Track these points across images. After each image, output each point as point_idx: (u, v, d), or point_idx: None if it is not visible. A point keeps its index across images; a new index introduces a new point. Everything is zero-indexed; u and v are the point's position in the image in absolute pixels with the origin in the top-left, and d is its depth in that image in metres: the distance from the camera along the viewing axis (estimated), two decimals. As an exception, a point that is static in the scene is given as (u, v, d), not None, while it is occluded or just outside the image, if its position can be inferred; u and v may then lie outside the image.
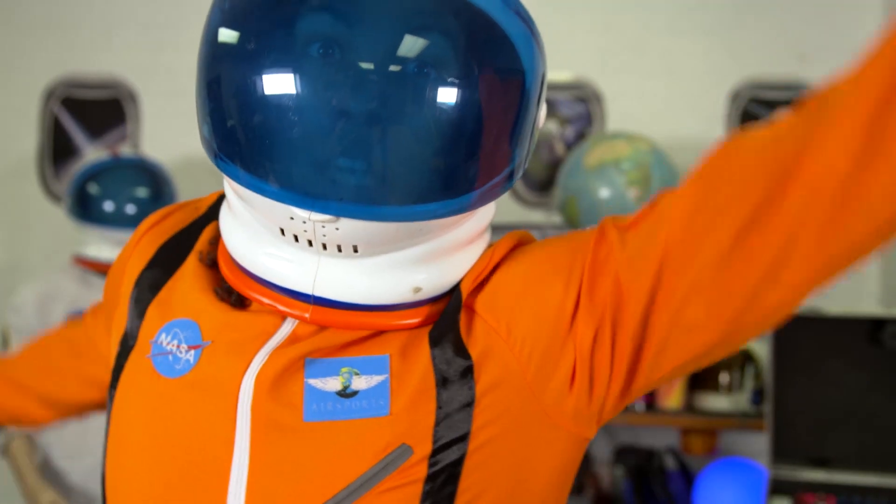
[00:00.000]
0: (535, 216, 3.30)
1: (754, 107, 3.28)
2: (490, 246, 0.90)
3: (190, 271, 0.92)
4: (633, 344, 0.79)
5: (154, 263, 0.94)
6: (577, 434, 0.85)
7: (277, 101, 0.76)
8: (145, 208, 2.66)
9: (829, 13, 3.24)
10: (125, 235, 2.62)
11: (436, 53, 0.76)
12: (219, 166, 0.81)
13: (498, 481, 0.82)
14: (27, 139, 3.48)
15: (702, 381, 2.79)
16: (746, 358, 2.75)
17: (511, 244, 0.89)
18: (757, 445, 2.77)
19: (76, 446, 2.58)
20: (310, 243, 0.81)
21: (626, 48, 3.32)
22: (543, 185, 3.33)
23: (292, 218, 0.79)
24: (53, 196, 3.44)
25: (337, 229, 0.79)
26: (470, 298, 0.84)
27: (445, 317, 0.83)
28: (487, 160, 0.80)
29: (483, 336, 0.82)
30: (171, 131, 3.40)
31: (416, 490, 0.79)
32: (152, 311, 0.91)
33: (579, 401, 0.82)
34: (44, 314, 2.59)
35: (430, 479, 0.79)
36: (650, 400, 2.81)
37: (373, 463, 0.79)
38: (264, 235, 0.85)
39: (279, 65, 0.76)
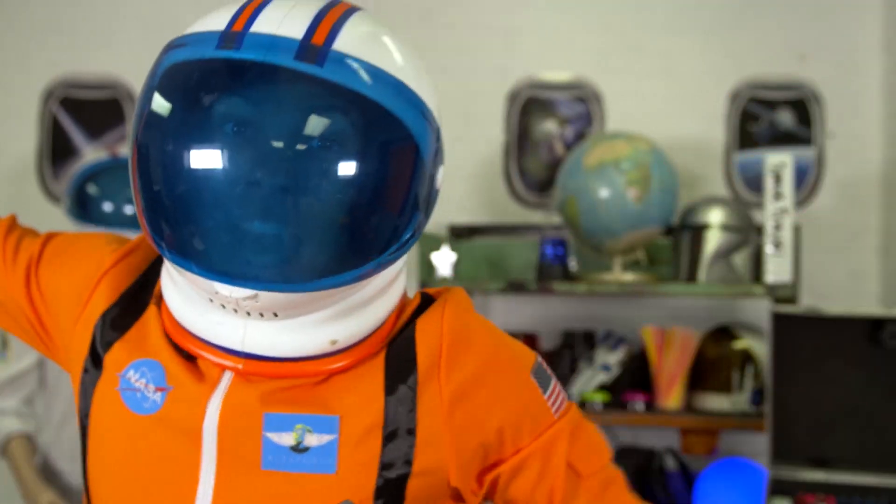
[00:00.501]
0: (535, 216, 3.30)
1: (754, 106, 3.27)
2: (431, 297, 1.03)
3: (153, 315, 1.01)
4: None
5: (118, 305, 1.03)
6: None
7: (194, 183, 0.86)
8: (144, 209, 2.65)
9: (829, 13, 3.24)
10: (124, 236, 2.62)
11: (332, 136, 0.86)
12: (156, 247, 0.91)
13: None
14: (26, 139, 3.47)
15: (702, 381, 2.79)
16: (746, 358, 2.75)
17: (462, 312, 1.00)
18: (757, 445, 2.77)
19: (75, 448, 2.57)
20: (235, 311, 0.91)
21: (625, 48, 3.32)
22: (543, 185, 3.32)
23: (217, 292, 0.89)
24: (52, 196, 3.44)
25: (256, 301, 0.89)
26: (433, 364, 0.96)
27: (399, 369, 0.95)
28: (386, 230, 0.90)
29: (430, 405, 0.95)
30: (170, 131, 3.40)
31: None
32: (119, 346, 1.00)
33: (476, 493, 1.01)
34: (43, 315, 2.59)
35: None
36: (650, 400, 2.80)
37: None
38: (197, 300, 0.95)
39: (195, 144, 0.86)
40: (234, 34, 0.88)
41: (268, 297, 0.88)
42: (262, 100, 0.87)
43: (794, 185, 2.63)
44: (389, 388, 0.95)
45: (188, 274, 0.90)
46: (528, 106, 3.35)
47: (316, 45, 0.87)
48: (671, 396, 2.77)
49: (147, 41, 3.48)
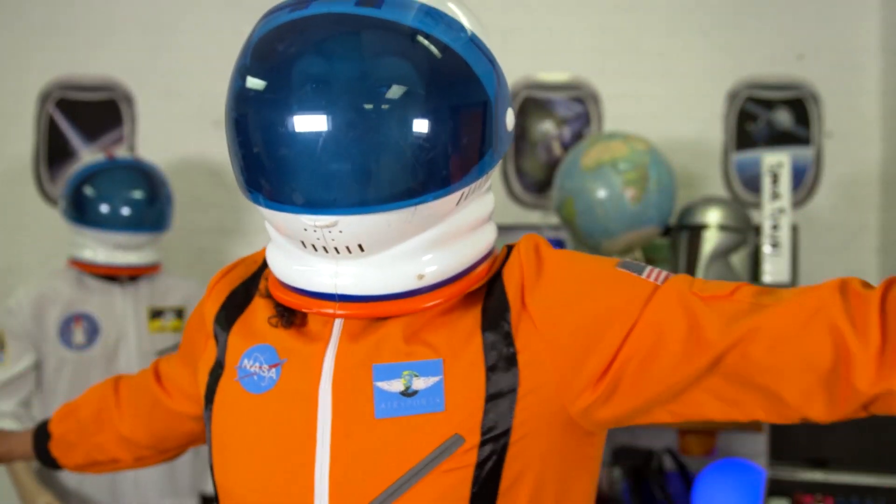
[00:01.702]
0: (533, 217, 3.30)
1: (752, 106, 3.27)
2: (513, 246, 1.08)
3: (258, 307, 1.12)
4: (681, 379, 0.97)
5: (227, 305, 1.14)
6: (584, 429, 1.03)
7: (280, 134, 0.94)
8: (141, 210, 2.65)
9: (828, 12, 3.24)
10: (121, 238, 2.61)
11: (396, 73, 0.94)
12: (249, 198, 1.00)
13: (534, 466, 1.00)
14: (23, 142, 3.47)
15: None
16: (744, 358, 2.75)
17: (533, 246, 1.06)
18: (755, 446, 2.76)
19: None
20: (325, 250, 0.98)
21: (623, 48, 3.32)
22: (541, 185, 3.32)
23: (305, 229, 0.97)
24: (49, 198, 3.43)
25: (340, 232, 0.96)
26: (517, 296, 1.01)
27: (494, 309, 1.01)
28: (448, 162, 0.96)
29: (526, 334, 0.99)
30: (166, 133, 3.40)
31: (468, 473, 0.97)
32: (232, 342, 1.11)
33: (596, 400, 0.99)
34: (39, 317, 2.59)
35: (480, 464, 0.97)
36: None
37: (431, 450, 0.97)
38: (294, 252, 1.03)
39: (280, 105, 0.94)
40: None
41: (348, 224, 0.95)
42: (331, 48, 0.95)
43: (791, 185, 2.63)
44: (486, 325, 1.00)
45: (282, 221, 0.98)
46: (526, 106, 3.35)
47: None
48: (669, 397, 2.76)
49: (144, 43, 3.50)
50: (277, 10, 1.00)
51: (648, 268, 1.03)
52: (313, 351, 1.04)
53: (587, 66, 3.33)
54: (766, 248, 2.59)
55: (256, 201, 1.00)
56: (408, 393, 0.99)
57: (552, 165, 3.29)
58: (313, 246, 0.99)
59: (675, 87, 3.29)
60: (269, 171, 0.96)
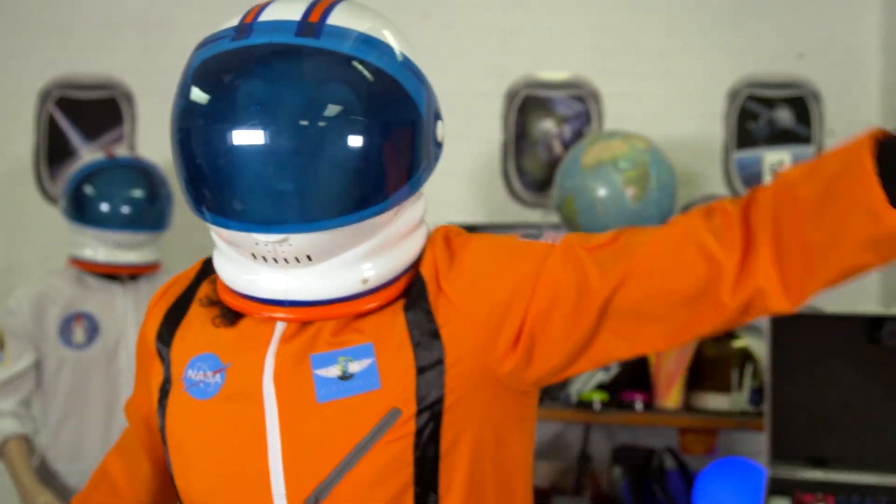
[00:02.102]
0: (533, 216, 3.29)
1: (752, 105, 3.27)
2: (429, 241, 1.16)
3: (194, 317, 1.18)
4: (584, 329, 1.05)
5: (165, 322, 1.20)
6: (515, 390, 1.12)
7: (227, 154, 1.02)
8: (141, 209, 2.65)
9: (828, 11, 3.23)
10: (121, 237, 2.61)
11: (334, 98, 1.03)
12: (199, 216, 1.07)
13: (471, 428, 1.09)
14: (23, 141, 3.47)
15: (700, 380, 2.78)
16: (745, 357, 2.74)
17: (442, 237, 1.15)
18: (756, 445, 2.76)
19: (72, 449, 2.58)
20: (275, 261, 1.07)
21: (623, 47, 3.32)
22: (541, 184, 3.32)
23: (257, 243, 1.05)
24: (49, 198, 3.43)
25: (290, 245, 1.04)
26: (433, 281, 1.10)
27: (414, 293, 1.09)
28: (388, 176, 1.06)
29: (444, 311, 1.08)
30: (166, 132, 3.39)
31: (409, 441, 1.05)
32: (175, 355, 1.17)
33: (518, 363, 1.08)
34: (39, 316, 2.58)
35: (419, 432, 1.05)
36: (649, 400, 2.80)
37: (373, 425, 1.05)
38: (244, 263, 1.11)
39: (225, 123, 1.02)
40: (245, 26, 1.06)
41: (297, 239, 1.04)
42: (273, 75, 1.03)
43: (792, 184, 2.62)
44: (407, 307, 1.09)
45: (230, 233, 1.06)
46: (526, 105, 3.34)
47: (312, 23, 1.05)
48: (670, 396, 2.76)
49: (144, 42, 3.50)
50: (218, 38, 1.07)
51: (548, 233, 1.10)
52: (254, 352, 1.10)
53: (587, 65, 3.33)
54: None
55: (206, 219, 1.07)
56: (345, 376, 1.07)
57: (553, 164, 3.28)
58: (263, 257, 1.07)
59: (675, 85, 3.29)
60: (222, 192, 1.04)
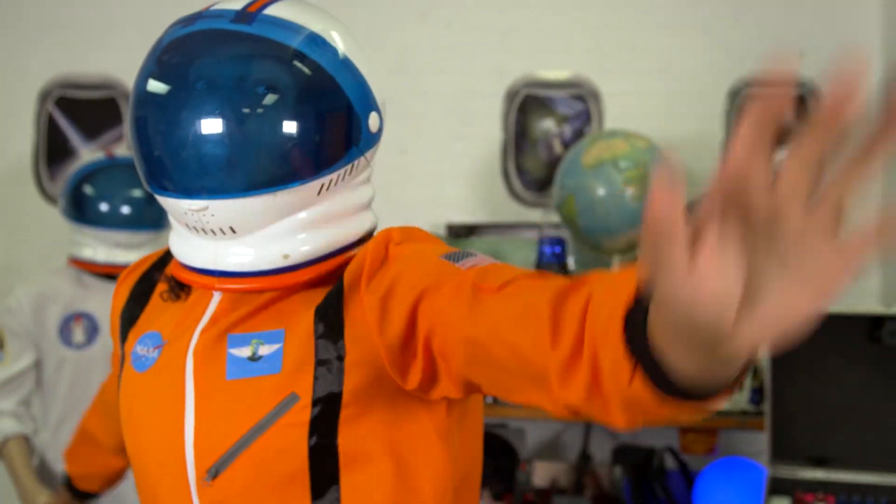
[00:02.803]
0: (534, 215, 3.29)
1: (752, 104, 3.26)
2: (370, 236, 1.21)
3: (156, 298, 1.28)
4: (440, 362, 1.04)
5: (129, 301, 1.30)
6: (428, 402, 1.13)
7: (159, 126, 1.12)
8: (140, 209, 2.65)
9: (827, 10, 3.23)
10: (121, 236, 2.61)
11: (259, 78, 1.10)
12: (147, 187, 1.16)
13: (375, 431, 1.12)
14: (23, 140, 3.47)
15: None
16: (745, 356, 2.74)
17: (383, 239, 1.14)
18: (756, 445, 2.76)
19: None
20: (204, 231, 1.14)
21: (623, 46, 3.31)
22: (542, 184, 3.31)
23: (185, 213, 1.13)
24: (49, 197, 3.43)
25: (213, 215, 1.12)
26: (354, 280, 1.11)
27: (330, 297, 1.12)
28: (308, 155, 1.12)
29: (354, 313, 1.10)
30: (167, 131, 3.40)
31: (304, 429, 1.09)
32: (132, 334, 1.26)
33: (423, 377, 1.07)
34: (39, 316, 2.58)
35: (313, 421, 1.10)
36: (649, 399, 2.79)
37: (272, 407, 1.10)
38: (182, 232, 1.19)
39: (157, 102, 1.12)
40: (196, 14, 1.16)
41: (218, 209, 1.11)
42: (204, 56, 1.12)
43: (792, 183, 2.62)
44: (321, 302, 1.13)
45: (166, 202, 1.14)
46: (526, 104, 3.34)
47: (250, 12, 1.14)
48: (670, 395, 2.76)
49: (143, 41, 3.45)
50: (176, 24, 1.18)
51: (473, 257, 1.06)
52: (186, 329, 1.19)
53: (587, 64, 3.33)
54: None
55: (153, 191, 1.16)
56: (254, 358, 1.13)
57: (553, 164, 3.28)
58: (195, 228, 1.15)
59: (675, 84, 3.28)
60: (154, 162, 1.14)
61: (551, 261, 2.84)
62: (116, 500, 2.60)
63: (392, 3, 3.39)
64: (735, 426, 2.71)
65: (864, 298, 3.16)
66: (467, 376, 1.02)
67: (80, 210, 2.63)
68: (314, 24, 1.16)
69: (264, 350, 1.13)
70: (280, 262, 1.15)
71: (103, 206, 2.62)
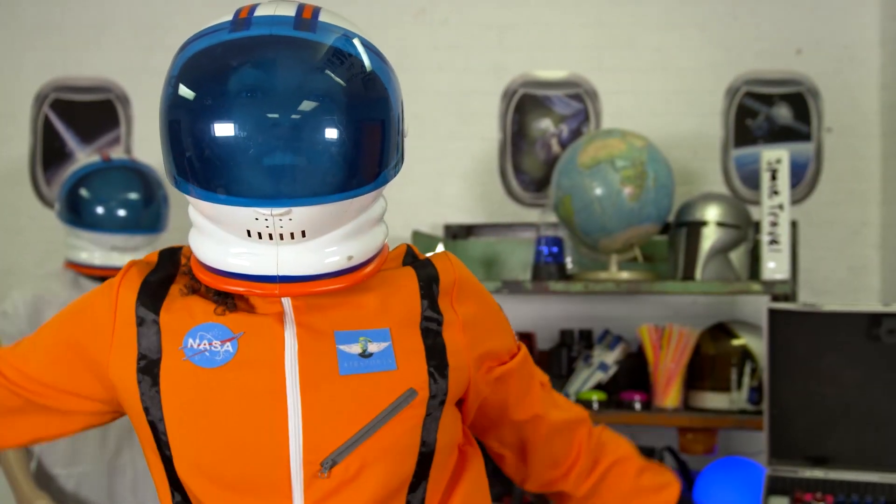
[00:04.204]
0: (531, 215, 3.28)
1: (751, 102, 3.25)
2: (443, 254, 1.33)
3: (185, 302, 1.22)
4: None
5: (143, 294, 1.23)
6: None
7: (237, 135, 1.09)
8: (137, 212, 2.64)
9: (825, 6, 3.22)
10: (117, 239, 2.61)
11: (329, 87, 1.12)
12: (200, 196, 1.13)
13: (453, 424, 1.26)
14: (19, 143, 3.47)
15: (699, 379, 2.77)
16: (744, 355, 2.73)
17: (459, 263, 1.32)
18: (755, 444, 2.75)
19: (69, 454, 2.57)
20: (270, 237, 1.14)
21: (620, 44, 3.31)
22: (539, 183, 3.31)
23: (257, 219, 1.12)
24: (45, 200, 3.43)
25: (290, 219, 1.12)
26: (448, 285, 1.27)
27: (428, 287, 1.25)
28: (375, 159, 1.16)
29: (448, 317, 1.25)
30: (163, 134, 3.39)
31: (419, 422, 1.18)
32: (165, 326, 1.20)
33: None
34: (35, 319, 2.57)
35: (428, 415, 1.19)
36: (648, 399, 2.79)
37: (390, 401, 1.17)
38: (232, 241, 1.17)
39: (229, 112, 1.09)
40: (242, 20, 1.14)
41: (299, 213, 1.12)
42: (277, 63, 1.11)
43: (790, 181, 2.61)
44: (423, 304, 1.23)
45: (227, 214, 1.13)
46: (524, 104, 3.33)
47: (307, 19, 1.15)
48: (669, 395, 2.75)
49: (138, 43, 3.49)
50: (213, 30, 1.15)
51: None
52: (269, 323, 1.19)
53: (584, 63, 3.32)
54: (766, 245, 2.58)
55: (208, 199, 1.13)
56: (365, 355, 1.18)
57: (551, 163, 3.27)
58: (259, 234, 1.14)
59: (673, 83, 3.28)
60: (226, 170, 1.11)
61: (549, 261, 2.83)
62: (112, 497, 2.60)
63: (389, 1, 3.38)
64: (734, 426, 2.70)
65: (865, 296, 3.15)
66: (497, 425, 1.41)
67: (77, 213, 2.63)
68: (358, 33, 1.20)
69: (373, 347, 1.19)
70: (345, 264, 1.19)
71: (99, 210, 2.62)
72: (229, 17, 1.16)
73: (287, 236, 1.14)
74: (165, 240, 2.89)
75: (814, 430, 2.35)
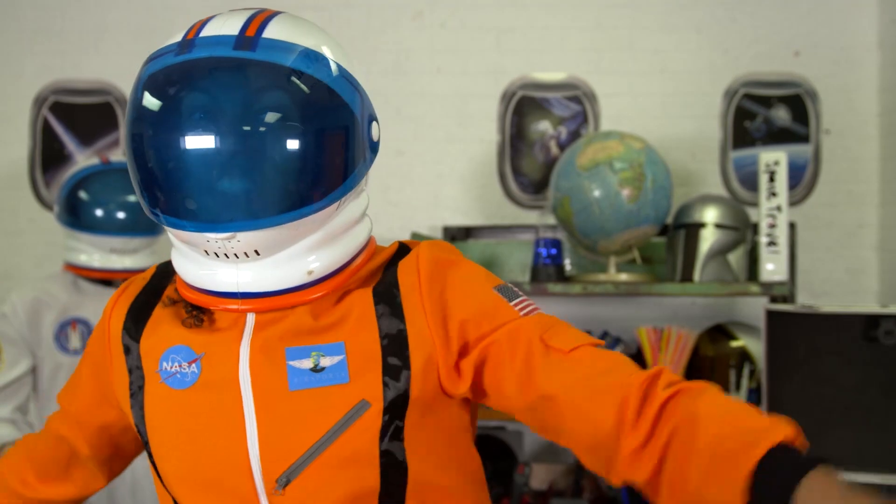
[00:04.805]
0: (530, 217, 3.29)
1: (749, 103, 3.26)
2: (408, 246, 1.27)
3: (161, 316, 1.26)
4: (506, 397, 1.19)
5: (129, 318, 1.27)
6: (458, 400, 1.24)
7: (176, 160, 1.10)
8: (136, 214, 2.64)
9: (823, 8, 3.23)
10: (116, 242, 2.61)
11: (271, 106, 1.11)
12: (154, 219, 1.16)
13: (431, 433, 1.20)
14: (18, 146, 3.47)
15: (699, 380, 2.77)
16: (743, 357, 2.73)
17: (434, 258, 1.22)
18: (754, 445, 2.75)
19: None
20: (227, 256, 1.15)
21: (618, 47, 3.31)
22: (538, 185, 3.31)
23: (208, 241, 1.14)
24: (44, 203, 3.43)
25: (238, 241, 1.13)
26: (413, 286, 1.19)
27: (386, 293, 1.19)
28: (324, 176, 1.14)
29: (420, 333, 1.17)
30: (162, 136, 3.40)
31: (376, 433, 1.15)
32: (144, 349, 1.24)
33: (464, 375, 1.20)
34: (35, 322, 2.58)
35: (385, 425, 1.15)
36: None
37: (342, 415, 1.14)
38: (198, 258, 1.20)
39: (171, 131, 1.11)
40: (187, 42, 1.15)
41: (244, 236, 1.12)
42: (214, 86, 1.11)
43: (788, 183, 2.62)
44: (378, 310, 1.19)
45: (186, 235, 1.14)
46: (522, 106, 3.34)
47: (249, 37, 1.13)
48: (668, 396, 2.75)
49: (138, 46, 3.49)
50: (163, 52, 1.16)
51: (521, 297, 1.22)
52: (227, 341, 1.19)
53: (583, 65, 3.32)
54: (764, 247, 2.58)
55: (161, 221, 1.16)
56: (316, 369, 1.16)
57: (549, 165, 3.27)
58: (215, 253, 1.16)
59: (671, 84, 3.28)
60: (174, 195, 1.13)
61: (547, 263, 2.83)
62: (112, 499, 2.60)
63: (387, 3, 3.39)
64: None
65: (863, 298, 3.16)
66: (517, 411, 1.19)
67: (76, 216, 2.63)
68: (311, 42, 1.17)
69: (326, 361, 1.17)
70: (305, 279, 1.18)
71: (98, 212, 2.62)
72: (180, 36, 1.17)
73: (242, 255, 1.15)
74: (164, 242, 2.89)
75: (812, 432, 2.35)
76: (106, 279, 2.65)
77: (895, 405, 2.31)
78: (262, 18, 1.17)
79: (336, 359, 1.16)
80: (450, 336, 1.18)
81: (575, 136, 3.29)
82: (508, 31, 3.36)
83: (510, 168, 3.34)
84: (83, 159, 3.30)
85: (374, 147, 1.22)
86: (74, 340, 2.59)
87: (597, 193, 2.71)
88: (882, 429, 2.31)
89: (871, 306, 2.64)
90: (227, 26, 1.15)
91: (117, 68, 3.43)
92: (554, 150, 3.31)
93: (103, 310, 1.33)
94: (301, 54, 1.14)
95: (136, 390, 1.24)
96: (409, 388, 1.17)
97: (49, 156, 3.45)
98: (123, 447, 1.44)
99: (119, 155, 3.30)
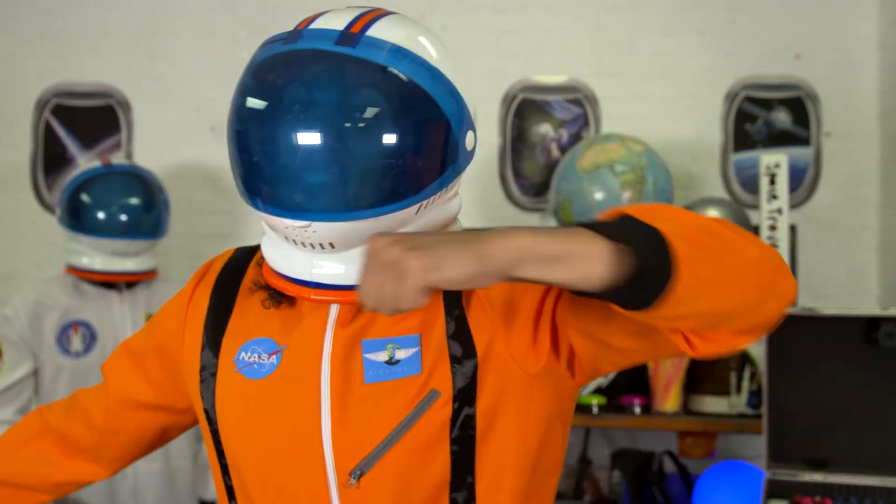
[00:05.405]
0: (531, 220, 3.29)
1: (750, 106, 3.26)
2: None
3: (246, 305, 1.28)
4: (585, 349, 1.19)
5: (211, 310, 1.30)
6: (552, 386, 1.21)
7: (266, 146, 1.14)
8: (137, 217, 2.65)
9: (824, 11, 3.23)
10: (118, 244, 2.61)
11: (363, 103, 1.12)
12: (248, 202, 1.19)
13: (507, 420, 1.19)
14: (20, 149, 3.47)
15: (699, 383, 2.77)
16: (744, 360, 2.73)
17: None
18: (754, 448, 2.75)
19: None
20: (304, 245, 1.17)
21: (619, 49, 3.31)
22: (539, 188, 3.31)
23: (286, 227, 1.16)
24: (46, 206, 3.43)
25: (314, 232, 1.14)
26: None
27: (453, 295, 1.20)
28: (405, 179, 1.14)
29: (479, 311, 1.19)
30: (163, 139, 3.40)
31: (447, 423, 1.16)
32: (226, 342, 1.26)
33: (548, 363, 1.19)
34: (36, 324, 2.58)
35: (455, 413, 1.16)
36: (647, 403, 2.79)
37: (413, 406, 1.16)
38: (282, 245, 1.22)
39: (271, 120, 1.13)
40: (296, 32, 1.17)
41: (320, 227, 1.13)
42: (309, 78, 1.13)
43: (788, 186, 2.62)
44: (445, 301, 1.20)
45: (270, 220, 1.17)
46: (523, 109, 3.34)
47: (353, 33, 1.15)
48: (668, 399, 2.75)
49: (139, 49, 3.50)
50: (275, 40, 1.19)
51: None
52: (312, 334, 1.21)
53: (584, 68, 3.33)
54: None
55: (254, 205, 1.19)
56: (391, 361, 1.18)
57: (550, 168, 3.28)
58: (294, 241, 1.17)
59: (672, 87, 3.28)
60: (255, 179, 1.16)
61: (548, 265, 2.83)
62: (111, 499, 2.60)
63: (388, 4, 3.39)
64: (733, 429, 2.70)
65: (864, 300, 3.16)
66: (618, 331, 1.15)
67: (77, 218, 2.63)
68: (414, 43, 1.17)
69: (401, 354, 1.19)
70: None
71: (100, 215, 2.62)
72: (293, 25, 1.19)
73: (317, 246, 1.17)
74: (166, 245, 2.90)
75: (813, 434, 2.35)
76: (107, 282, 2.65)
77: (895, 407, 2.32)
78: (371, 17, 1.18)
79: (410, 351, 1.19)
80: (517, 312, 1.19)
81: (576, 138, 3.29)
82: (509, 34, 3.36)
83: (511, 171, 3.34)
84: (85, 162, 3.30)
85: (466, 156, 1.21)
86: (76, 343, 2.60)
87: (598, 196, 2.71)
88: (883, 431, 2.31)
89: (871, 308, 2.65)
90: (336, 21, 1.17)
91: (119, 71, 3.44)
92: (555, 152, 3.31)
93: (181, 291, 1.35)
94: (398, 54, 1.14)
95: (208, 377, 1.27)
96: (475, 375, 1.18)
97: (51, 158, 3.46)
98: (139, 437, 1.44)
99: (121, 158, 3.31)
